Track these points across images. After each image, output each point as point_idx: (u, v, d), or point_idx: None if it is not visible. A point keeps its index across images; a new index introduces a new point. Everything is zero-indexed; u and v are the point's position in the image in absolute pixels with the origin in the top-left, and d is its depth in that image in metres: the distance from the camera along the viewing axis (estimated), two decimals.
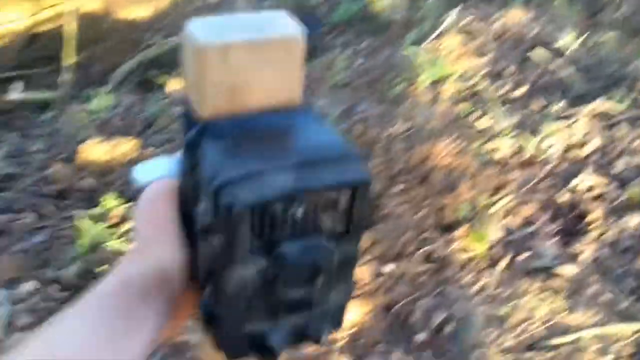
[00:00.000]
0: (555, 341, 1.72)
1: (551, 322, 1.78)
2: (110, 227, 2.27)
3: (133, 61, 4.32)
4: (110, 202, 2.27)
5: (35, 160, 3.07)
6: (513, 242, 2.10)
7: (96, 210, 2.39)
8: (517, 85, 3.16)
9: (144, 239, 0.49)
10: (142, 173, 0.50)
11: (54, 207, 2.64)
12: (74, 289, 2.12)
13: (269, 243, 0.44)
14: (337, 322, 0.53)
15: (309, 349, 1.77)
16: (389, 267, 1.97)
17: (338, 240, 0.47)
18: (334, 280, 0.49)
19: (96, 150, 2.85)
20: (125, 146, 2.87)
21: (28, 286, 2.11)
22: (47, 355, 0.40)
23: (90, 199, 2.70)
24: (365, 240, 2.05)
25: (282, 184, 0.42)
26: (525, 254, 2.03)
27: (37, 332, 0.42)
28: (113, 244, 2.18)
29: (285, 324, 0.49)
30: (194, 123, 0.46)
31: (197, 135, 0.45)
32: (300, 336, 0.51)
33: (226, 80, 0.45)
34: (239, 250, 0.43)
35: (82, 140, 3.06)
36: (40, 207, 2.65)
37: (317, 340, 0.52)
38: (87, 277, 2.16)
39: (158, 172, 0.50)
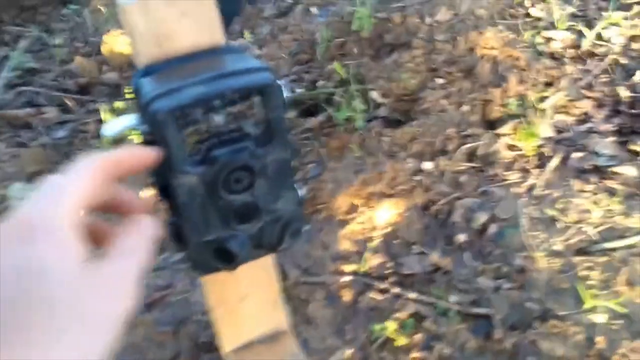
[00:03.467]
0: (609, 245, 1.58)
1: (605, 226, 1.63)
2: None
3: None
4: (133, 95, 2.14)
5: (58, 54, 2.95)
6: (565, 141, 1.92)
7: (119, 104, 2.28)
8: None
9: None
10: (109, 128, 0.55)
11: (77, 101, 2.53)
12: None
13: (203, 153, 0.52)
14: (295, 232, 0.61)
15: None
16: (428, 165, 1.82)
17: (266, 146, 0.54)
18: (276, 187, 0.57)
19: (119, 44, 2.70)
20: None
21: None
22: None
23: (113, 94, 2.59)
24: (403, 135, 1.89)
25: (196, 92, 0.50)
26: (579, 154, 1.85)
27: None
28: (135, 140, 2.08)
29: (242, 231, 0.57)
30: (135, 73, 0.56)
31: (137, 79, 0.54)
32: (258, 244, 0.59)
33: (151, 31, 0.54)
34: (177, 157, 0.50)
35: (105, 35, 2.92)
36: (63, 101, 2.55)
37: (272, 248, 0.61)
38: None
39: (122, 125, 0.55)
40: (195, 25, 0.56)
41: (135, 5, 0.53)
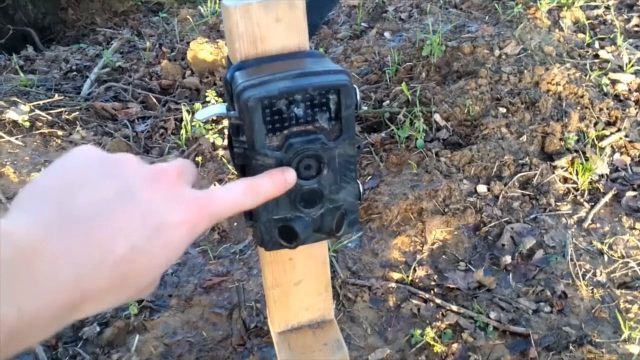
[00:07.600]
0: None
1: None
2: (209, 123, 2.32)
3: None
4: (212, 97, 2.30)
5: (145, 56, 3.17)
6: (620, 179, 1.96)
7: (199, 106, 2.45)
8: None
9: None
10: (202, 113, 0.64)
11: (159, 100, 2.73)
12: None
13: (281, 140, 0.58)
14: (352, 222, 0.67)
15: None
16: (482, 188, 1.90)
17: (335, 141, 0.60)
18: (340, 179, 0.63)
19: (202, 52, 2.89)
20: None
21: None
22: None
23: (193, 96, 2.77)
24: (461, 157, 1.98)
25: (283, 85, 0.56)
26: (632, 193, 1.89)
27: None
28: (210, 138, 2.24)
29: (306, 214, 0.63)
30: (230, 66, 0.61)
31: (232, 72, 0.60)
32: (318, 228, 0.65)
33: (249, 32, 0.60)
34: (259, 140, 0.57)
35: (190, 42, 3.12)
36: (146, 99, 2.75)
37: (330, 234, 0.66)
38: None
39: (213, 112, 0.63)
40: (286, 30, 0.61)
41: (238, 8, 0.59)
